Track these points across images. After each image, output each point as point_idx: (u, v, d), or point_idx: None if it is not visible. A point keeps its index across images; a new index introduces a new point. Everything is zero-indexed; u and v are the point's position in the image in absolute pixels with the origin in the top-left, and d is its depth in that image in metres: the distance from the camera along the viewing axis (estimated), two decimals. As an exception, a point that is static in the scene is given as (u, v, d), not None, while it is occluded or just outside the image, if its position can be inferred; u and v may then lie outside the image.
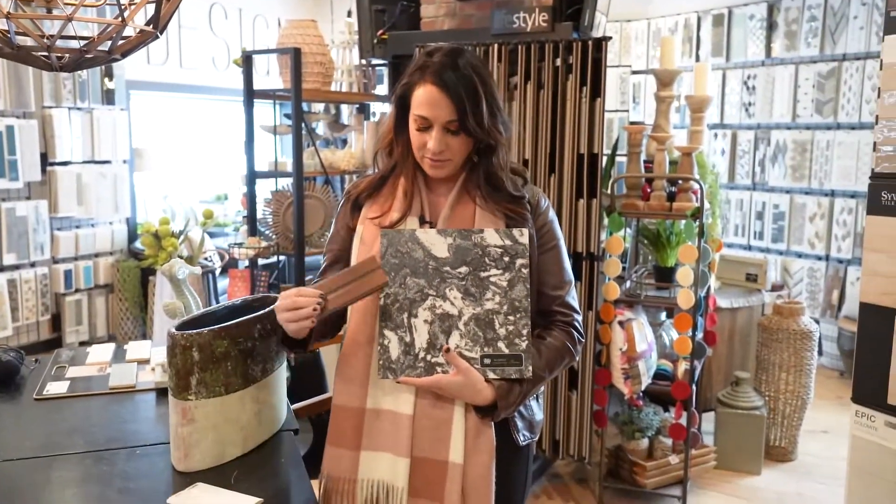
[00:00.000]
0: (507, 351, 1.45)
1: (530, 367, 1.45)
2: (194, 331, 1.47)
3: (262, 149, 4.12)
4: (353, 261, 1.54)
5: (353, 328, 1.52)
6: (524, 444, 1.57)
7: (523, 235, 1.47)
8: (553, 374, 1.54)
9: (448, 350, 1.43)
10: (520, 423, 1.55)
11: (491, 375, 1.45)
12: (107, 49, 1.76)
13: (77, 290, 4.95)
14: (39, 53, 1.70)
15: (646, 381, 3.07)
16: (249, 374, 1.54)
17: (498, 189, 1.52)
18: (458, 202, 1.53)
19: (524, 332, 1.45)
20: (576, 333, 1.56)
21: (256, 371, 1.56)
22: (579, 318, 1.58)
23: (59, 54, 1.72)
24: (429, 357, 1.44)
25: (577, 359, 1.59)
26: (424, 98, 1.43)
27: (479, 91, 1.43)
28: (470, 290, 1.45)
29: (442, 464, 1.44)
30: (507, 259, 1.46)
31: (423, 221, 1.52)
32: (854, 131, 4.83)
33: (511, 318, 1.45)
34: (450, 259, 1.46)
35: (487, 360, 1.45)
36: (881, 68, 2.01)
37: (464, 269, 1.46)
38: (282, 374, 1.70)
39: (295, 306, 1.38)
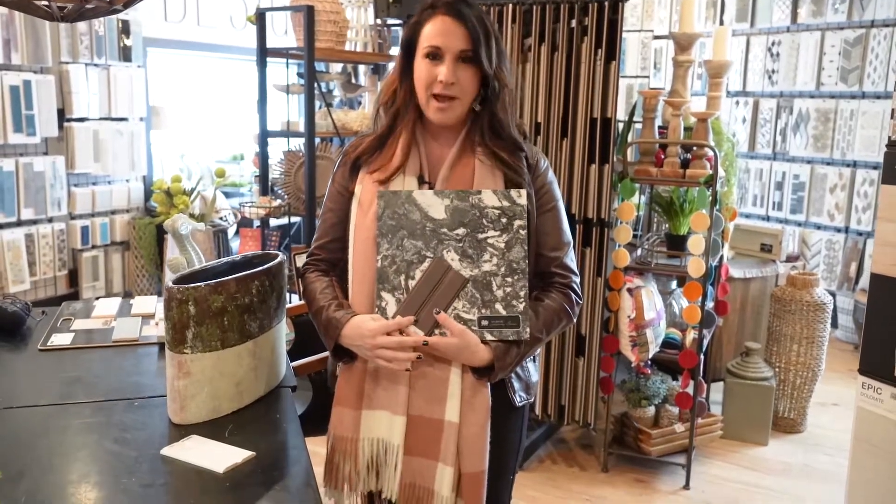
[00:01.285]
0: (504, 313, 1.44)
1: (528, 329, 1.45)
2: (191, 285, 1.47)
3: (275, 108, 4.10)
4: (352, 222, 1.52)
5: (354, 290, 1.51)
6: (520, 404, 1.57)
7: (521, 197, 1.45)
8: (550, 336, 1.54)
9: (439, 313, 1.42)
10: (516, 384, 1.56)
11: (488, 337, 1.44)
12: (107, 0, 1.74)
13: (94, 247, 4.99)
14: (41, 3, 1.69)
15: (654, 349, 3.05)
16: (246, 329, 1.54)
17: (500, 136, 1.50)
18: (458, 159, 1.51)
19: (522, 293, 1.44)
20: (573, 295, 1.54)
21: (254, 327, 1.56)
22: (577, 279, 1.56)
23: (61, 4, 1.70)
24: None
25: (574, 320, 1.59)
26: (438, 28, 1.43)
27: (489, 28, 1.45)
28: (467, 252, 1.44)
29: (437, 422, 1.45)
30: (504, 220, 1.45)
31: (421, 181, 1.51)
32: (879, 100, 4.70)
33: (509, 279, 1.44)
34: (447, 220, 1.44)
35: (485, 322, 1.44)
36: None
37: (461, 231, 1.44)
38: (281, 330, 1.71)
39: (395, 357, 1.40)
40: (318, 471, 1.39)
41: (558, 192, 1.57)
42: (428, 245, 1.44)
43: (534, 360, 1.62)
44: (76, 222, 4.87)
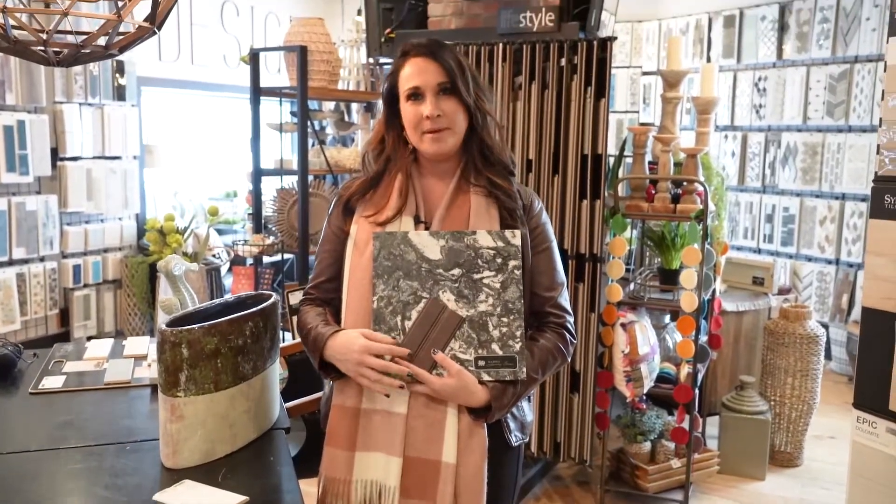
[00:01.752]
0: (501, 352, 1.44)
1: (524, 369, 1.45)
2: (184, 327, 1.46)
3: (269, 146, 4.13)
4: (347, 263, 1.53)
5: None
6: (516, 444, 1.57)
7: (515, 237, 1.47)
8: (545, 376, 1.54)
9: (437, 353, 1.42)
10: (512, 424, 1.55)
11: (485, 377, 1.44)
12: (104, 45, 1.76)
13: (85, 285, 4.97)
14: (36, 48, 1.70)
15: (648, 383, 3.04)
16: (240, 371, 1.53)
17: (491, 161, 1.54)
18: (454, 199, 1.53)
19: (518, 333, 1.45)
20: (568, 335, 1.55)
21: (247, 368, 1.55)
22: (571, 319, 1.58)
23: (56, 49, 1.72)
24: None
25: (569, 360, 1.60)
26: (413, 69, 1.49)
27: (462, 64, 1.50)
28: (463, 292, 1.45)
29: (434, 463, 1.44)
30: (499, 261, 1.46)
31: (417, 221, 1.52)
32: (865, 134, 4.77)
33: (504, 319, 1.45)
34: (442, 261, 1.45)
35: (482, 362, 1.44)
36: (885, 70, 1.98)
37: (457, 271, 1.45)
38: (275, 372, 1.69)
39: (379, 380, 1.41)
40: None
41: (552, 233, 1.59)
42: (424, 286, 1.44)
43: (528, 400, 1.61)
44: (68, 261, 4.85)
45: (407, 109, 1.49)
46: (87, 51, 1.72)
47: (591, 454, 3.10)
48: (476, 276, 1.45)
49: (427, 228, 1.50)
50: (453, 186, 1.53)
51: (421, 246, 1.46)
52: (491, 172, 1.53)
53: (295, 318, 3.17)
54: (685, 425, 3.02)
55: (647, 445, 3.19)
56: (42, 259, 4.71)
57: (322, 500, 1.50)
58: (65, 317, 4.89)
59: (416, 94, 1.48)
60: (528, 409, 1.61)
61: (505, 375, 1.44)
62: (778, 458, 3.57)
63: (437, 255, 1.45)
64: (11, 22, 1.67)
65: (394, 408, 1.45)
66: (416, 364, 1.42)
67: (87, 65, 4.92)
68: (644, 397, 3.18)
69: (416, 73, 1.48)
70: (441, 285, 1.44)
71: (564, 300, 1.57)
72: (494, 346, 1.44)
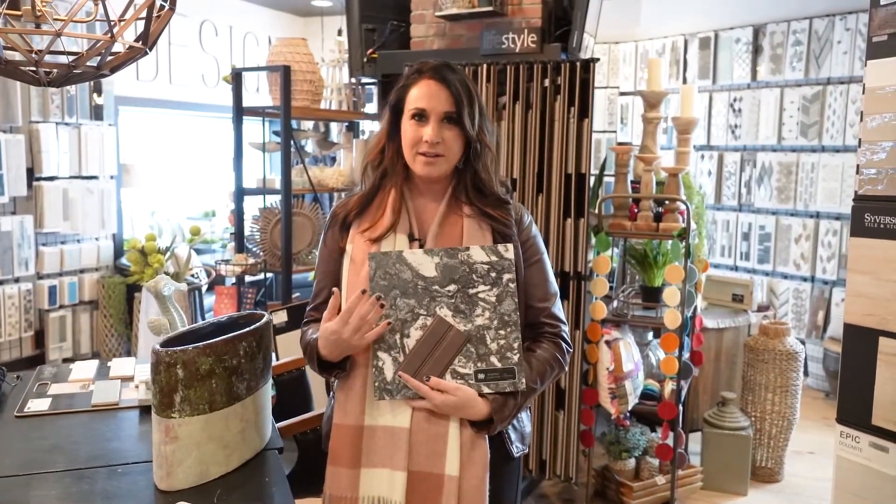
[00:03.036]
0: (500, 365, 1.46)
1: (524, 380, 1.47)
2: (179, 348, 1.46)
3: (251, 166, 4.12)
4: (345, 281, 1.54)
5: None
6: (517, 455, 1.60)
7: (508, 251, 1.49)
8: (544, 386, 1.57)
9: (429, 379, 1.44)
10: (513, 435, 1.58)
11: (485, 390, 1.46)
12: (95, 65, 1.76)
13: (61, 307, 4.90)
14: (27, 68, 1.70)
15: (633, 400, 3.07)
16: (234, 391, 1.53)
17: (484, 194, 1.56)
18: (446, 217, 1.55)
19: (515, 345, 1.47)
20: (564, 344, 1.58)
21: (241, 389, 1.55)
22: (566, 328, 1.61)
23: (48, 69, 1.72)
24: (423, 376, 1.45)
25: (566, 369, 1.62)
26: (423, 91, 1.50)
27: (472, 92, 1.52)
28: (460, 308, 1.47)
29: (438, 477, 1.45)
30: (493, 275, 1.48)
31: (411, 239, 1.54)
32: (838, 154, 4.88)
33: (502, 332, 1.47)
34: (438, 278, 1.47)
35: (481, 375, 1.46)
36: (864, 92, 2.04)
37: (452, 287, 1.47)
38: (267, 392, 1.69)
39: (362, 316, 1.42)
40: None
41: (542, 245, 1.63)
42: (421, 303, 1.46)
43: (528, 412, 1.64)
44: (44, 282, 4.79)
45: (408, 128, 1.51)
46: (79, 71, 1.72)
47: (576, 471, 3.11)
48: (472, 291, 1.47)
49: (421, 246, 1.52)
50: (445, 205, 1.55)
51: (416, 264, 1.47)
52: (483, 203, 1.55)
53: (279, 338, 3.16)
54: (670, 442, 3.05)
55: (632, 462, 3.21)
56: (17, 280, 4.65)
57: None
58: (40, 338, 4.82)
59: (420, 116, 1.50)
60: (527, 420, 1.63)
61: (505, 387, 1.46)
62: (759, 474, 3.60)
63: (432, 273, 1.47)
64: (3, 42, 1.67)
65: (396, 423, 1.46)
66: (419, 380, 1.44)
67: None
68: (628, 414, 3.21)
69: (425, 95, 1.49)
70: (438, 302, 1.46)
71: (558, 310, 1.60)
72: (493, 359, 1.46)
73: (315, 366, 1.56)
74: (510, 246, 1.50)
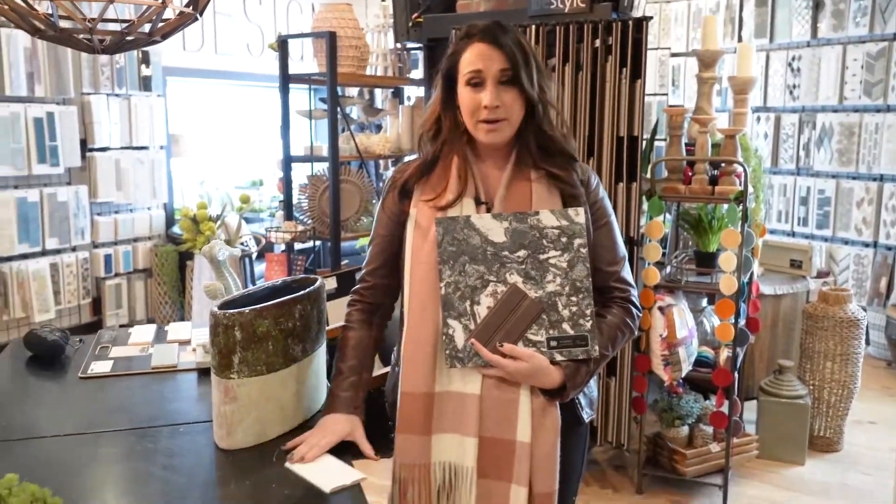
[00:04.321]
0: (572, 332, 1.45)
1: (596, 346, 1.46)
2: (236, 310, 1.49)
3: (298, 134, 4.15)
4: (409, 248, 1.53)
5: (414, 319, 1.51)
6: (587, 420, 1.61)
7: (579, 215, 1.47)
8: (615, 351, 1.56)
9: (503, 346, 1.43)
10: (583, 401, 1.59)
11: (558, 357, 1.45)
12: (147, 31, 1.79)
13: (116, 275, 5.05)
14: (81, 36, 1.73)
15: (686, 367, 3.04)
16: (290, 353, 1.56)
17: (550, 152, 1.52)
18: (513, 180, 1.52)
19: (588, 311, 1.45)
20: (633, 308, 1.57)
21: (297, 351, 1.58)
22: (635, 292, 1.59)
23: (101, 37, 1.75)
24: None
25: (636, 333, 1.61)
26: (475, 54, 1.47)
27: (526, 49, 1.48)
28: (530, 274, 1.45)
29: (509, 443, 1.45)
30: (564, 240, 1.46)
31: (478, 202, 1.52)
32: (905, 113, 4.70)
33: (573, 298, 1.45)
34: (507, 243, 1.45)
35: (554, 343, 1.45)
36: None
37: (522, 253, 1.45)
38: (322, 355, 1.72)
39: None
40: (367, 496, 1.40)
41: (610, 208, 1.60)
42: (490, 269, 1.45)
43: (596, 377, 1.63)
44: (99, 251, 4.93)
45: (465, 94, 1.48)
46: (131, 38, 1.75)
47: (628, 438, 3.11)
48: (542, 257, 1.45)
49: (488, 210, 1.50)
50: (511, 167, 1.52)
51: (484, 229, 1.46)
52: (549, 163, 1.52)
53: (328, 305, 3.20)
54: (724, 409, 3.02)
55: (685, 430, 3.19)
56: (74, 249, 4.80)
57: (403, 489, 1.50)
58: (97, 305, 4.98)
59: (476, 81, 1.46)
60: (594, 386, 1.64)
61: (578, 354, 1.45)
62: (818, 443, 3.55)
63: (501, 238, 1.45)
64: (58, 11, 1.70)
65: (466, 389, 1.46)
66: (490, 349, 1.43)
67: (112, 57, 4.98)
68: (682, 381, 3.18)
69: (477, 58, 1.46)
70: (507, 268, 1.44)
71: (627, 273, 1.58)
72: (565, 326, 1.45)
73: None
74: (581, 210, 1.47)
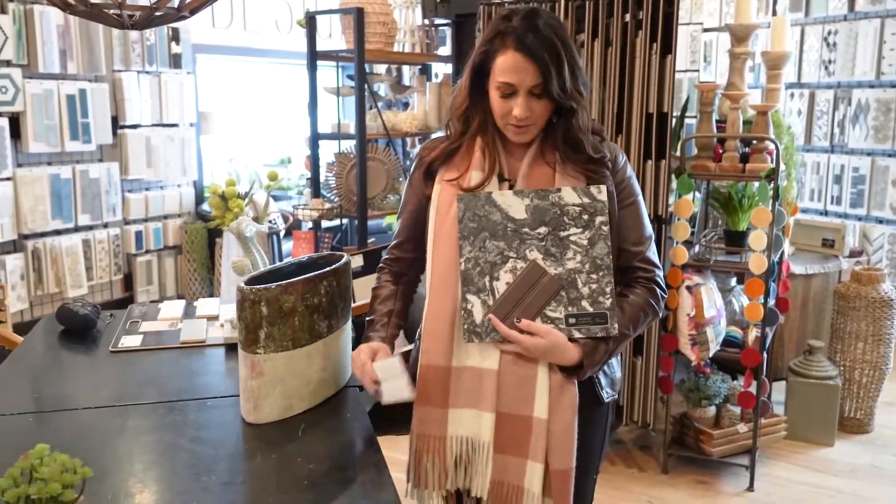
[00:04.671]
0: (591, 310, 1.45)
1: (616, 325, 1.45)
2: (262, 286, 1.50)
3: (325, 111, 4.15)
4: (431, 227, 1.54)
5: (435, 294, 1.52)
6: (607, 400, 1.59)
7: (601, 192, 1.46)
8: (637, 332, 1.55)
9: (520, 321, 1.43)
10: (603, 380, 1.57)
11: (576, 335, 1.45)
12: (176, 6, 1.78)
13: (147, 251, 5.11)
14: (111, 11, 1.74)
15: (714, 347, 3.00)
16: (316, 329, 1.57)
17: (577, 151, 1.51)
18: (537, 158, 1.52)
19: (608, 289, 1.45)
20: (658, 290, 1.55)
21: (323, 327, 1.59)
22: (661, 273, 1.57)
23: (130, 12, 1.75)
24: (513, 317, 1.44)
25: (661, 315, 1.60)
26: (509, 64, 1.43)
27: (561, 54, 1.43)
28: (550, 251, 1.45)
29: (526, 419, 1.45)
30: (586, 217, 1.45)
31: (501, 179, 1.52)
32: (944, 89, 4.56)
33: (594, 276, 1.44)
34: (528, 220, 1.45)
35: (572, 320, 1.44)
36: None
37: (543, 230, 1.45)
38: (347, 331, 1.73)
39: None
40: (391, 472, 1.40)
41: (637, 187, 1.58)
42: (510, 245, 1.45)
43: (618, 357, 1.62)
44: (130, 227, 5.00)
45: (496, 99, 1.47)
46: (160, 13, 1.75)
47: (654, 418, 3.09)
48: (563, 234, 1.44)
49: (511, 187, 1.50)
50: (536, 146, 1.52)
51: (505, 206, 1.45)
52: (574, 161, 1.50)
53: (355, 283, 3.21)
54: (752, 390, 2.99)
55: (712, 410, 3.16)
56: (105, 225, 4.86)
57: (418, 458, 1.52)
58: (128, 282, 5.05)
59: (508, 92, 1.44)
60: (617, 366, 1.62)
61: (596, 332, 1.44)
62: (847, 425, 3.50)
63: (522, 215, 1.45)
64: (87, -14, 1.70)
65: (484, 364, 1.46)
66: (508, 324, 1.43)
67: (143, 33, 5.00)
68: (709, 361, 3.15)
69: (511, 69, 1.42)
70: (528, 244, 1.44)
71: (653, 254, 1.57)
72: (584, 304, 1.44)
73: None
74: (603, 187, 1.46)
